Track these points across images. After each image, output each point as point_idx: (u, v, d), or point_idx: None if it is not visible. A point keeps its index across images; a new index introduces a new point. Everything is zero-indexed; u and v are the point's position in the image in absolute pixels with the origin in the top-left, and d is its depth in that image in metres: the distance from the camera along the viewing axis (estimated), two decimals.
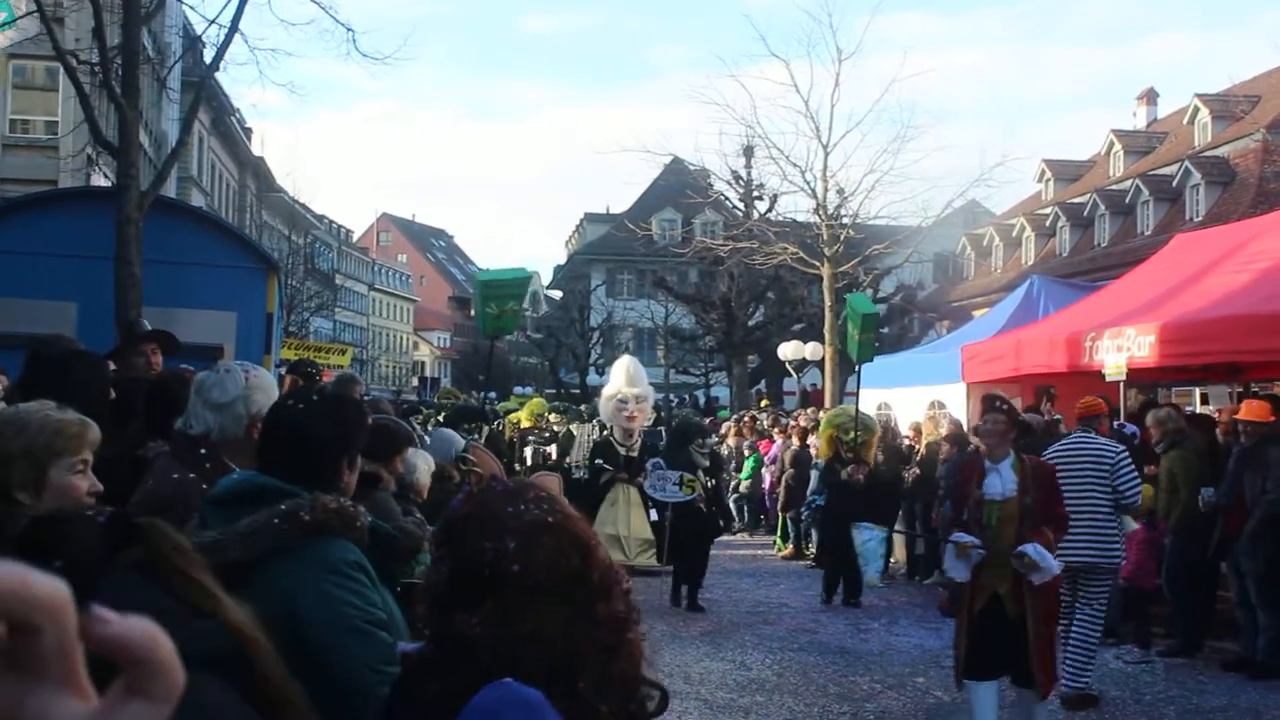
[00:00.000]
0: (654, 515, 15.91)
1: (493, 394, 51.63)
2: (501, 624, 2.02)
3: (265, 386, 4.04)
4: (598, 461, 16.88)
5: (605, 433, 17.73)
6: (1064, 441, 10.58)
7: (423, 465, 6.43)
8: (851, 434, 14.79)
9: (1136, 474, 10.01)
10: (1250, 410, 11.50)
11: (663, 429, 18.43)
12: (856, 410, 15.37)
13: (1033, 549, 7.72)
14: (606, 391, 17.91)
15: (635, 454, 16.64)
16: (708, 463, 14.95)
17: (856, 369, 15.80)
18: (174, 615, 1.79)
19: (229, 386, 4.01)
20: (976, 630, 8.02)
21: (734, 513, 22.52)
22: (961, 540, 7.98)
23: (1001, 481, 8.02)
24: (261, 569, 2.88)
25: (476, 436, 13.71)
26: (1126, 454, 10.02)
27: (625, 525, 16.39)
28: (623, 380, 17.42)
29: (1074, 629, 9.76)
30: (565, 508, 2.19)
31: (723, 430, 26.71)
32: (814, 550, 18.66)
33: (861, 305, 16.12)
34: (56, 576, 0.79)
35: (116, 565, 1.91)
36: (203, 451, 3.90)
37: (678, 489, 14.37)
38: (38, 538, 2.00)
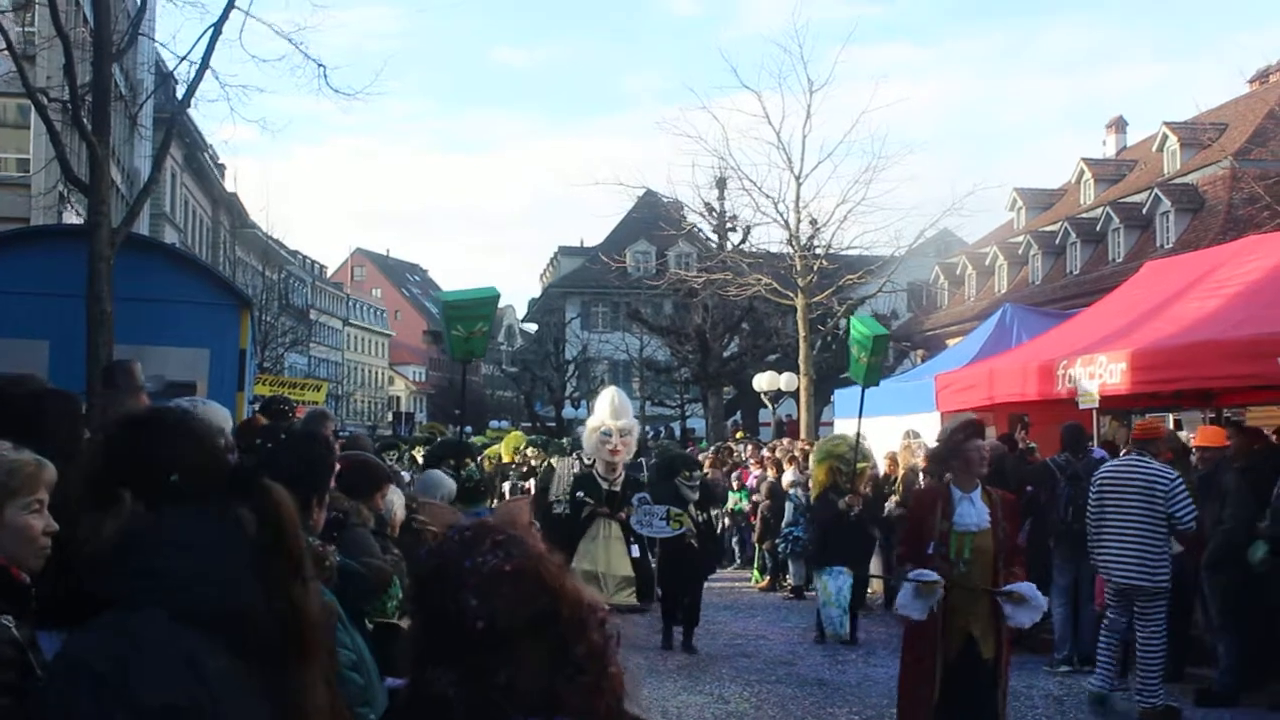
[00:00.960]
0: (635, 552, 15.69)
1: (468, 428, 51.64)
2: (476, 679, 2.01)
3: (220, 416, 4.01)
4: (579, 494, 16.34)
5: (587, 466, 17.03)
6: (1116, 463, 10.75)
7: (398, 501, 6.42)
8: (853, 464, 14.20)
9: (1191, 500, 10.11)
10: (1205, 436, 11.62)
11: (643, 461, 17.97)
12: (858, 438, 14.48)
13: (1028, 587, 7.43)
14: (590, 423, 17.26)
15: (618, 488, 16.16)
16: (696, 495, 14.32)
17: (861, 391, 14.61)
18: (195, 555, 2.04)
19: None
20: (951, 678, 7.50)
21: (728, 548, 22.02)
22: (925, 579, 7.43)
23: (975, 511, 7.55)
24: None
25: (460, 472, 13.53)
26: (1181, 481, 10.17)
27: (604, 562, 15.84)
28: (607, 412, 16.74)
29: (1139, 650, 10.06)
30: (528, 548, 2.16)
31: (701, 460, 26.59)
32: (790, 582, 18.64)
33: (870, 326, 15.09)
34: None
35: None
36: None
37: (665, 524, 13.88)
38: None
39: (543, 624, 2.07)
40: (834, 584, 13.81)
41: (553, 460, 21.18)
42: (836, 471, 14.36)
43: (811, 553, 15.67)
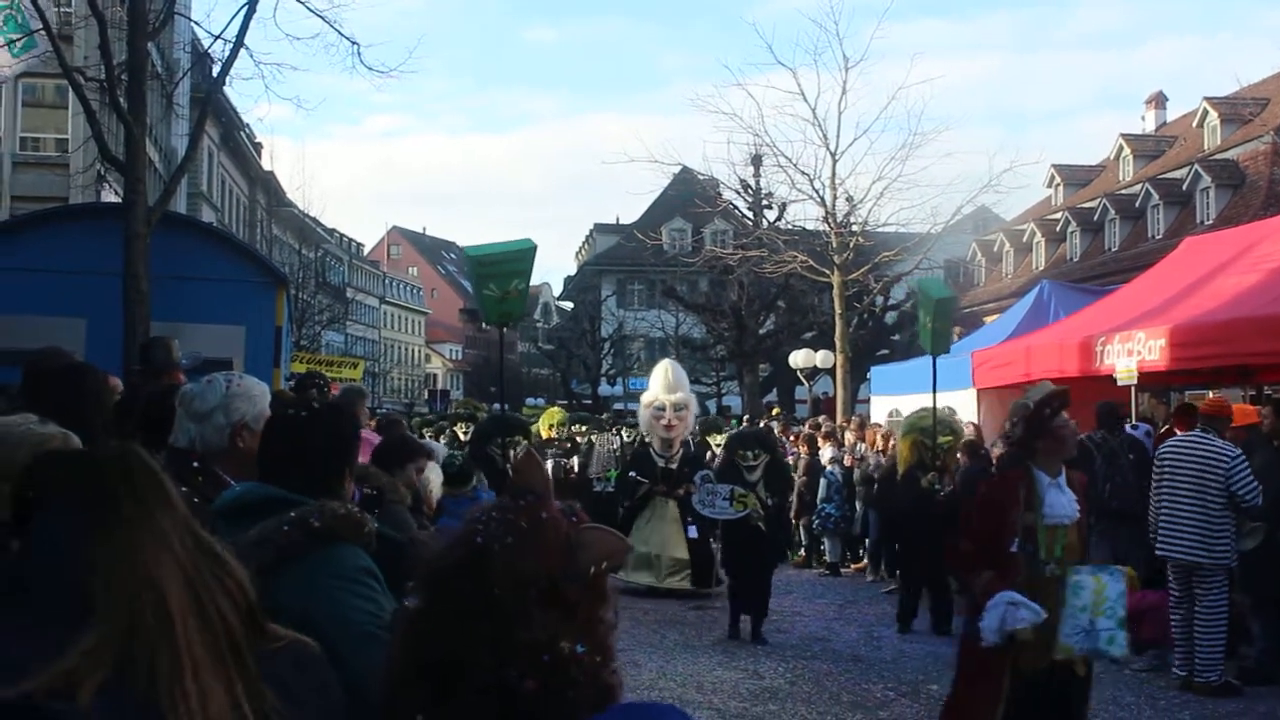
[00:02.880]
0: (693, 533, 15.23)
1: (504, 406, 51.71)
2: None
3: (250, 395, 4.00)
4: (631, 474, 15.93)
5: (645, 442, 16.57)
6: (1177, 439, 10.64)
7: (434, 479, 6.45)
8: (942, 439, 13.37)
9: (1253, 478, 10.03)
10: (1236, 414, 11.53)
11: (690, 440, 17.25)
12: (934, 411, 13.31)
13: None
14: (645, 398, 16.68)
15: (675, 466, 15.71)
16: (755, 477, 13.06)
17: (932, 360, 13.41)
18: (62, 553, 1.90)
19: (209, 396, 3.98)
20: (1029, 700, 6.26)
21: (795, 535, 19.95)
22: (1027, 617, 5.97)
23: (1065, 500, 6.41)
24: (272, 577, 2.87)
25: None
26: (1243, 458, 10.12)
27: (659, 543, 15.39)
28: (660, 386, 16.26)
29: (1197, 627, 10.04)
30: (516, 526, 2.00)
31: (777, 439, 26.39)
32: (826, 559, 18.58)
33: (934, 289, 14.02)
34: None
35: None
36: (195, 465, 3.88)
37: (728, 504, 12.82)
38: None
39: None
40: (1114, 587, 10.42)
41: (592, 437, 21.05)
42: (921, 447, 13.51)
43: (898, 535, 14.65)
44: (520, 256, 10.44)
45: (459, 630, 1.93)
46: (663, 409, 15.92)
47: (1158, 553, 10.45)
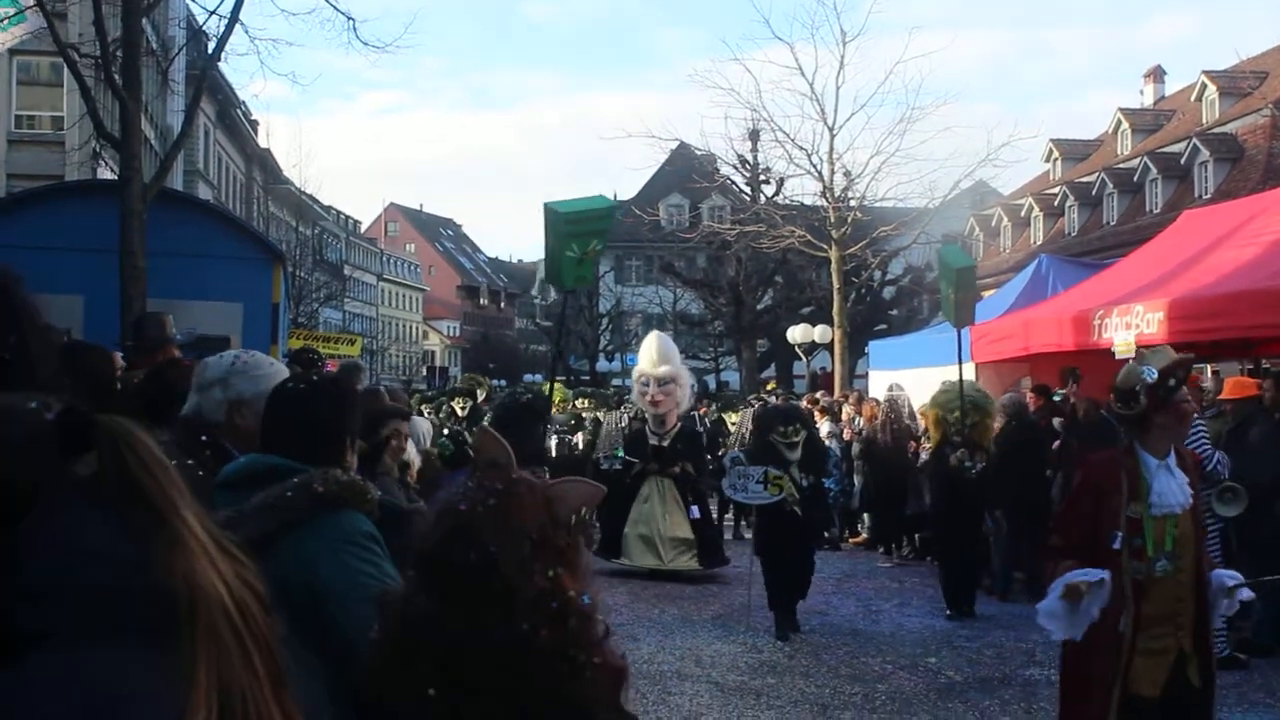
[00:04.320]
0: (695, 513, 14.91)
1: (502, 381, 51.66)
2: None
3: (252, 374, 4.00)
4: (621, 455, 15.39)
5: (640, 420, 15.77)
6: None
7: (411, 447, 6.42)
8: (956, 414, 12.70)
9: (1209, 444, 9.99)
10: (1233, 387, 11.46)
11: (695, 415, 16.73)
12: (961, 385, 12.83)
13: (1231, 576, 5.85)
14: (634, 373, 16.16)
15: (667, 444, 15.16)
16: (797, 455, 12.00)
17: (957, 333, 13.03)
18: (99, 558, 1.55)
19: (214, 369, 4.00)
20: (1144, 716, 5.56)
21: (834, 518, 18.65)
22: (1086, 578, 5.41)
23: (1177, 486, 5.63)
24: (276, 542, 2.89)
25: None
26: (1199, 427, 9.90)
27: (658, 525, 14.83)
28: (645, 359, 15.62)
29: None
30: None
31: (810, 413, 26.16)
32: (827, 533, 18.55)
33: (955, 258, 13.52)
34: None
35: (63, 480, 1.58)
36: (204, 439, 3.89)
37: (761, 488, 11.69)
38: None
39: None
40: None
41: (599, 414, 20.63)
42: (946, 423, 12.94)
43: (934, 514, 13.92)
44: (604, 214, 9.60)
45: (465, 595, 1.96)
46: (648, 384, 15.34)
47: None
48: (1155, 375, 5.64)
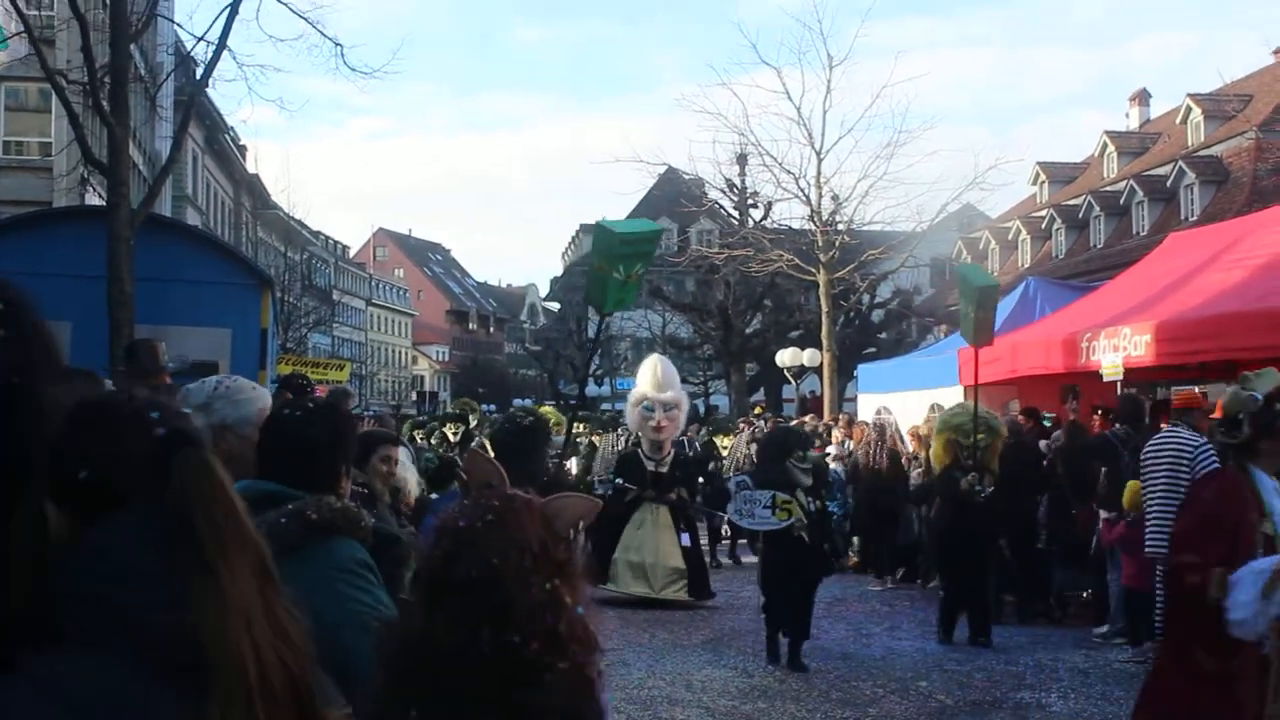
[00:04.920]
0: (685, 540, 14.62)
1: (492, 406, 51.62)
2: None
3: (235, 399, 3.98)
4: (617, 481, 14.94)
5: (633, 445, 15.51)
6: (1157, 436, 10.45)
7: (411, 477, 6.43)
8: (973, 438, 12.35)
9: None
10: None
11: (685, 440, 16.45)
12: (975, 407, 12.48)
13: None
14: (632, 396, 15.68)
15: (665, 469, 14.84)
16: (809, 480, 11.60)
17: (973, 351, 12.88)
18: (133, 581, 1.58)
19: (195, 395, 3.99)
20: None
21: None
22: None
23: None
24: None
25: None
26: (1209, 447, 9.62)
27: (652, 552, 14.46)
28: (648, 383, 15.17)
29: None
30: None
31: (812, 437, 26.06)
32: (838, 560, 18.28)
33: (976, 277, 13.29)
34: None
35: (153, 495, 1.61)
36: None
37: (769, 514, 11.24)
38: (75, 433, 1.69)
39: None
40: None
41: (594, 438, 20.49)
42: (957, 446, 12.58)
43: (936, 538, 13.48)
44: (653, 238, 9.30)
45: (464, 611, 1.97)
46: (652, 409, 14.88)
47: (1146, 553, 10.24)
48: (1261, 400, 5.58)
